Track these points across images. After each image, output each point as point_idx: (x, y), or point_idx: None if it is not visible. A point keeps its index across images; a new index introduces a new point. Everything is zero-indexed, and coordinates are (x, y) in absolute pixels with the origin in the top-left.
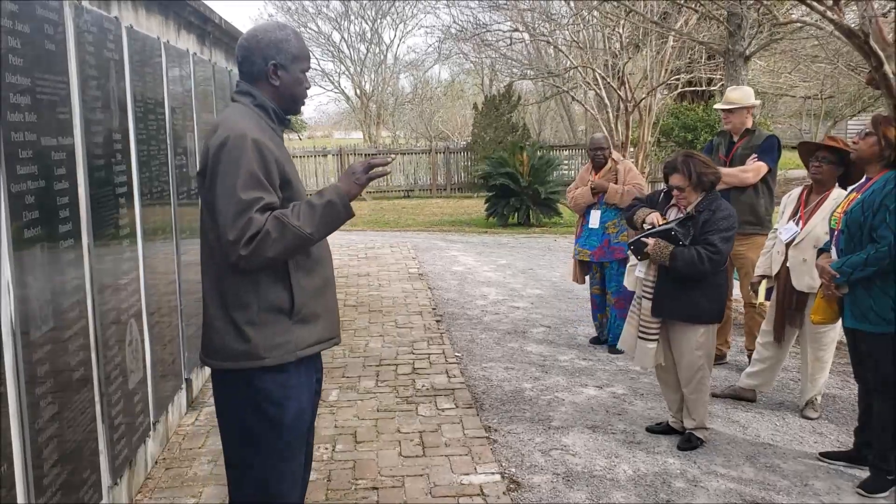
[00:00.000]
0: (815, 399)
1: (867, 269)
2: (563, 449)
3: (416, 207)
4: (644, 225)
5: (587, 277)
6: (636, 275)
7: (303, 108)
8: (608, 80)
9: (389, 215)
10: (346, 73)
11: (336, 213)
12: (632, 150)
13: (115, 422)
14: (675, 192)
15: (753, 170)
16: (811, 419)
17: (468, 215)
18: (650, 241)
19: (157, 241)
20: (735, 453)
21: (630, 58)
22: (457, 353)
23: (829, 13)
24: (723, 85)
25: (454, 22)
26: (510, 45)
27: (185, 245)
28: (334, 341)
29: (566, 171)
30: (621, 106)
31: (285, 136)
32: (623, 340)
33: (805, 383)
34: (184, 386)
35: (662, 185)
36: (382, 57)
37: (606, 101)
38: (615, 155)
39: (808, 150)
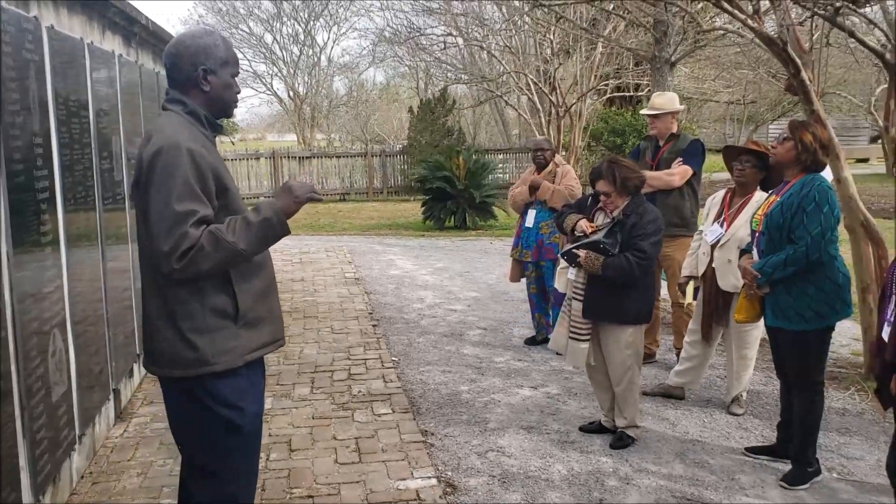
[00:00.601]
0: (741, 396)
1: (787, 269)
2: (498, 450)
3: (352, 211)
4: (574, 232)
5: (524, 279)
6: (567, 277)
7: (235, 111)
8: (540, 85)
9: (325, 219)
10: (279, 75)
11: (271, 229)
12: (563, 153)
13: (37, 436)
14: (601, 198)
15: (679, 173)
16: (737, 415)
17: (405, 219)
18: (581, 253)
19: (81, 248)
20: (665, 450)
21: (561, 64)
22: (394, 358)
23: (749, 21)
24: (650, 90)
25: (388, 25)
26: (444, 49)
27: (112, 251)
28: (279, 343)
29: (501, 175)
30: (553, 111)
31: (218, 139)
32: (555, 341)
33: (731, 381)
34: (111, 397)
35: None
36: (316, 59)
37: (539, 105)
38: (558, 158)
39: (731, 154)
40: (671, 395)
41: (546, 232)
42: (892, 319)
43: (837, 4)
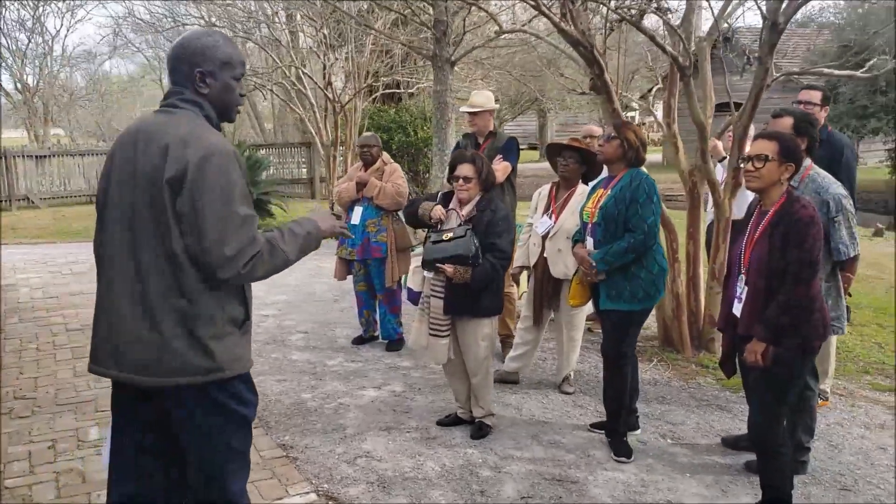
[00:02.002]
0: (570, 375)
1: (628, 256)
2: (366, 456)
3: None
4: (431, 220)
5: (350, 276)
6: (424, 275)
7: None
8: (313, 79)
9: (76, 224)
10: (4, 64)
11: (310, 244)
12: (341, 149)
13: None
14: (460, 183)
15: (501, 169)
16: (569, 394)
17: None
18: (448, 268)
19: None
20: (521, 435)
21: (337, 58)
22: None
23: (562, 24)
24: (418, 87)
25: (130, 13)
26: None
27: None
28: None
29: (274, 171)
30: (329, 106)
31: None
32: (415, 340)
33: (561, 362)
34: None
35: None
36: (47, 48)
37: (313, 100)
38: (385, 157)
39: (554, 151)
40: (507, 380)
41: (373, 230)
42: (742, 297)
43: (644, 9)
